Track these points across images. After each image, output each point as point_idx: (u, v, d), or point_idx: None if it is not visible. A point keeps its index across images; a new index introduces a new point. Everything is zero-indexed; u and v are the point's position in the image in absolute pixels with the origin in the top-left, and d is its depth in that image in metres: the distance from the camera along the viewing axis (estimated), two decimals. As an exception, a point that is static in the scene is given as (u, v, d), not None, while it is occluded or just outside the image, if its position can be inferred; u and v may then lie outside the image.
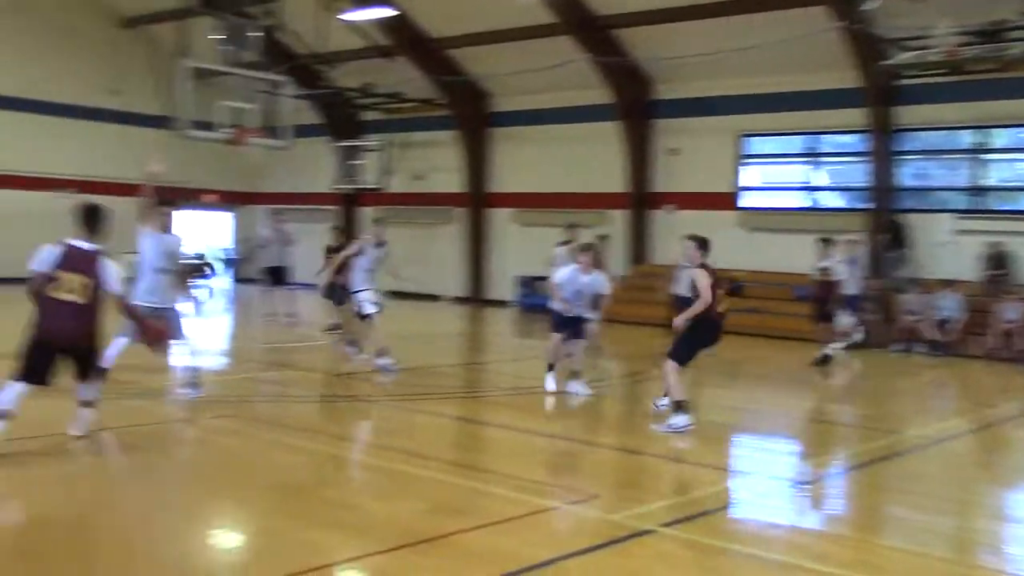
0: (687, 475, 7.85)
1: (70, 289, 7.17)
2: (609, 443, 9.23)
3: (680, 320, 9.61)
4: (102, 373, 8.14)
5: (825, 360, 14.47)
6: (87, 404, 7.84)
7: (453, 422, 9.96)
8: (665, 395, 9.79)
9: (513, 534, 5.89)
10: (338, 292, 14.34)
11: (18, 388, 7.19)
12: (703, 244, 9.56)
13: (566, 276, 11.15)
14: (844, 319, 17.11)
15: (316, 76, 25.46)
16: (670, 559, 5.58)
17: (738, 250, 21.83)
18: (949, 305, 17.42)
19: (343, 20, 22.84)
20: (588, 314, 11.49)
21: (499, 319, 23.21)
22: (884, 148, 19.64)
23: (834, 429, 10.96)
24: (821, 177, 22.25)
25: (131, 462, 7.77)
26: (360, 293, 12.36)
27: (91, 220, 7.52)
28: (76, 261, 7.23)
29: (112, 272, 7.37)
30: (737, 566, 5.59)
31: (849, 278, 15.74)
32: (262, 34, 19.80)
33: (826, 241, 14.99)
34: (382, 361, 11.93)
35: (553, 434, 9.66)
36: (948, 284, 17.58)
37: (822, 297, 14.94)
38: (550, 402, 11.09)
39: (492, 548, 5.61)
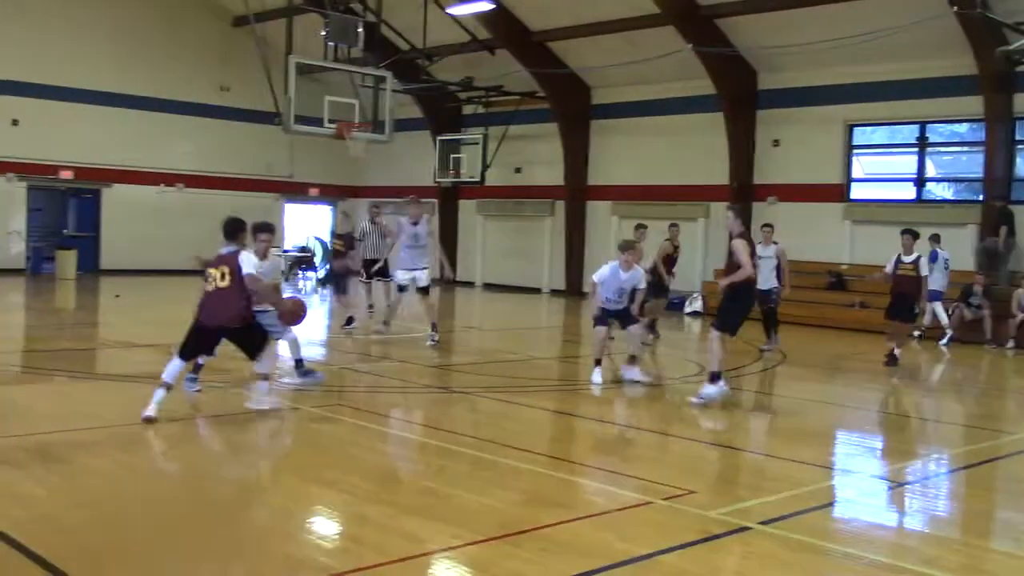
0: (785, 472, 7.68)
1: (214, 279, 8.47)
2: (704, 438, 9.11)
3: (724, 282, 9.96)
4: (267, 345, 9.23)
5: (893, 360, 13.73)
6: (264, 377, 9.32)
7: (548, 414, 9.96)
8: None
9: (608, 528, 5.86)
10: (342, 280, 15.00)
11: (176, 363, 8.39)
12: (741, 216, 10.10)
13: (607, 274, 11.24)
14: (938, 313, 16.77)
15: (418, 70, 25.76)
16: (768, 558, 5.48)
17: (844, 243, 21.34)
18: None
19: (447, 13, 23.03)
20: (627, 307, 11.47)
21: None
22: (1000, 137, 18.89)
23: (941, 428, 10.61)
24: (932, 168, 21.53)
25: (229, 449, 8.01)
26: (398, 272, 14.35)
27: (228, 229, 8.89)
28: (220, 259, 8.59)
29: (246, 259, 8.54)
30: (839, 566, 5.46)
31: (934, 273, 15.33)
32: (365, 30, 20.10)
33: (912, 234, 14.06)
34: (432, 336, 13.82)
35: (648, 428, 9.59)
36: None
37: (904, 292, 13.90)
38: (643, 396, 11.00)
39: (587, 541, 5.59)
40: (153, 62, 27.51)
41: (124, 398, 9.47)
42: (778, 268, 14.70)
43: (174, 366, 8.35)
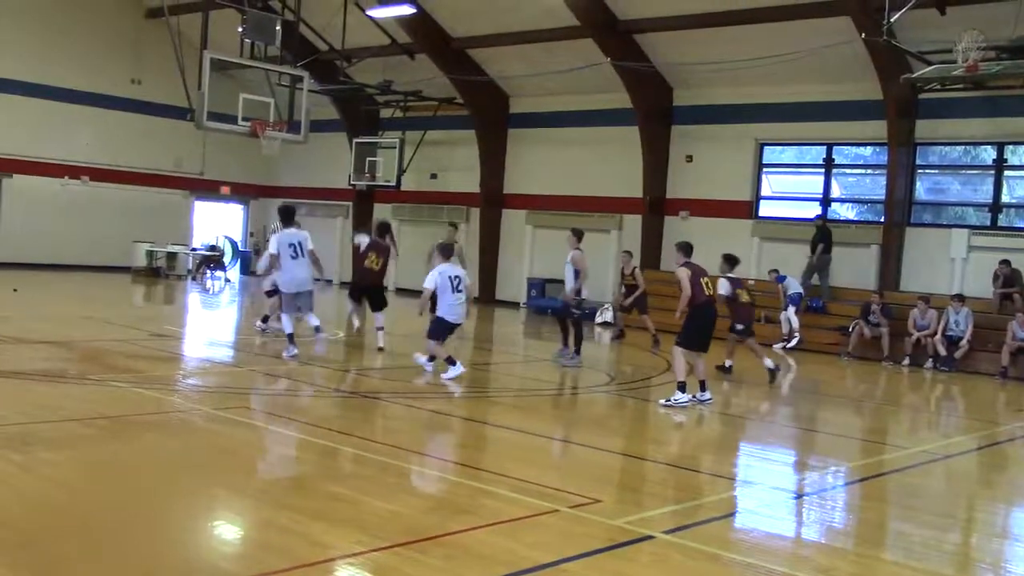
0: (690, 482, 7.82)
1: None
2: (614, 448, 9.21)
3: (677, 313, 11.47)
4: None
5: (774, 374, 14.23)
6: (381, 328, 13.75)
7: (459, 422, 9.97)
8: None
9: (514, 535, 5.89)
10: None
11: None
12: (684, 249, 11.54)
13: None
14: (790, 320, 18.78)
15: (336, 71, 25.55)
16: (670, 566, 5.57)
17: (751, 259, 21.84)
18: (959, 321, 17.32)
19: (367, 16, 22.89)
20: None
21: (509, 320, 23.22)
22: (902, 161, 19.58)
23: (839, 441, 10.91)
24: (837, 188, 22.19)
25: (133, 450, 7.80)
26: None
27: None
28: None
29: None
30: (738, 575, 5.58)
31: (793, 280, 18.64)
32: (283, 28, 19.85)
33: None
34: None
35: (557, 437, 9.66)
36: (959, 300, 17.48)
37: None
38: (556, 404, 11.08)
39: (493, 549, 5.60)
40: (62, 50, 26.75)
41: (17, 396, 9.17)
42: (576, 274, 14.29)
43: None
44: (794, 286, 19.20)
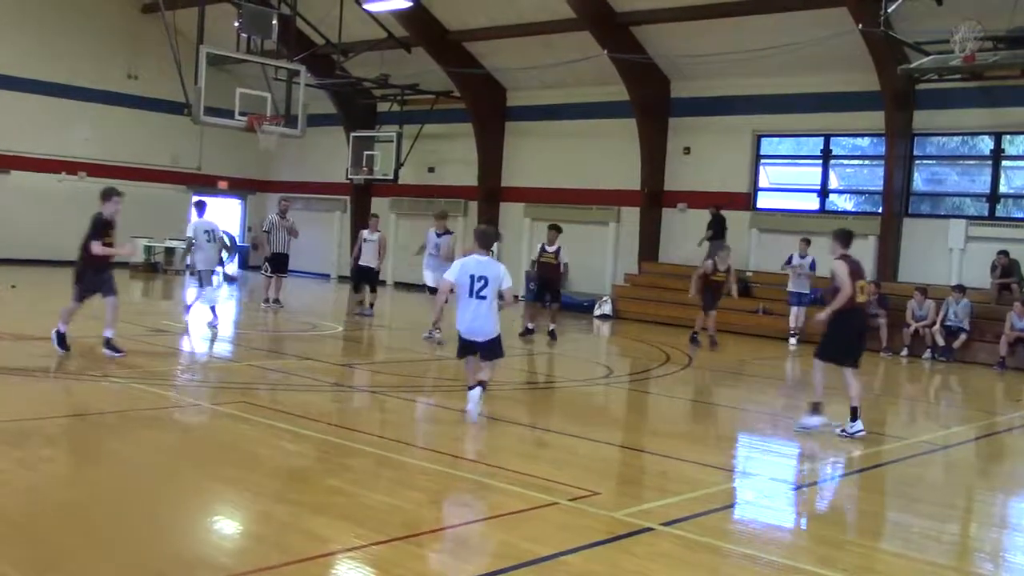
0: (688, 474, 7.82)
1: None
2: (610, 440, 9.21)
3: (822, 316, 9.61)
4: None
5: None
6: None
7: (458, 415, 9.96)
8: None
9: (513, 528, 5.88)
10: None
11: None
12: (843, 238, 9.70)
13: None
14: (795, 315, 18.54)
15: (332, 65, 25.49)
16: (669, 558, 5.57)
17: (750, 251, 21.85)
18: (958, 311, 17.33)
19: (364, 9, 22.84)
20: None
21: (508, 313, 23.20)
22: (900, 152, 19.56)
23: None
24: (835, 180, 22.18)
25: (132, 445, 7.79)
26: (425, 272, 15.78)
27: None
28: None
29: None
30: (736, 567, 5.58)
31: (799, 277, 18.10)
32: (279, 22, 19.82)
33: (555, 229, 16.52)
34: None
35: (556, 430, 9.66)
36: (960, 291, 17.48)
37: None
38: (555, 397, 11.07)
39: (492, 542, 5.61)
40: (58, 46, 26.67)
41: (16, 392, 9.16)
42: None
43: None
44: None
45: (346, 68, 26.32)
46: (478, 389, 8.91)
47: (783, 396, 13.19)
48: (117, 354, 11.02)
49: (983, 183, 19.72)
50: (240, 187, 31.13)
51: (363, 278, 18.11)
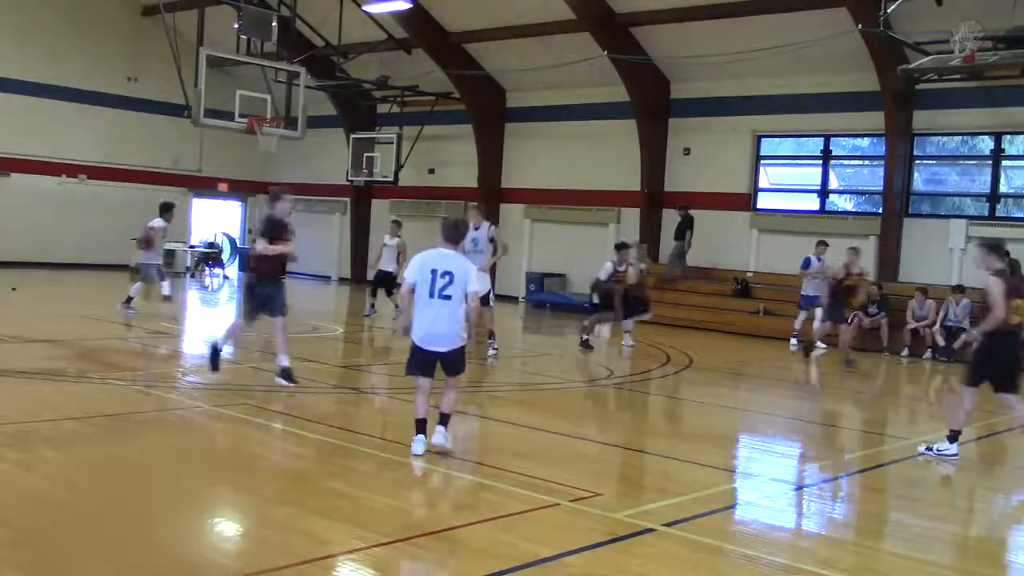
0: (690, 475, 7.82)
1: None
2: (611, 441, 9.21)
3: (975, 332, 8.91)
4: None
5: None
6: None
7: (458, 417, 9.95)
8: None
9: (515, 529, 5.89)
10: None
11: None
12: (999, 252, 8.67)
13: None
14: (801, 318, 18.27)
15: (332, 67, 25.51)
16: (671, 559, 5.57)
17: (750, 251, 21.84)
18: (958, 312, 17.31)
19: (364, 11, 22.86)
20: None
21: (508, 315, 23.20)
22: (900, 152, 19.56)
23: (839, 433, 10.93)
24: (835, 180, 22.17)
25: (133, 448, 7.80)
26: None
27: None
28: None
29: None
30: (738, 568, 5.58)
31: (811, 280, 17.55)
32: (279, 24, 19.84)
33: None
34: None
35: (559, 431, 9.65)
36: (960, 291, 17.45)
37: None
38: (556, 399, 11.07)
39: (493, 543, 5.60)
40: (58, 49, 26.68)
41: (17, 394, 9.16)
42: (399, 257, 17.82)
43: None
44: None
45: (346, 70, 26.33)
46: (440, 430, 7.64)
47: (783, 396, 13.17)
48: (290, 384, 10.06)
49: (983, 183, 19.71)
50: (241, 189, 31.14)
51: (381, 283, 18.21)
